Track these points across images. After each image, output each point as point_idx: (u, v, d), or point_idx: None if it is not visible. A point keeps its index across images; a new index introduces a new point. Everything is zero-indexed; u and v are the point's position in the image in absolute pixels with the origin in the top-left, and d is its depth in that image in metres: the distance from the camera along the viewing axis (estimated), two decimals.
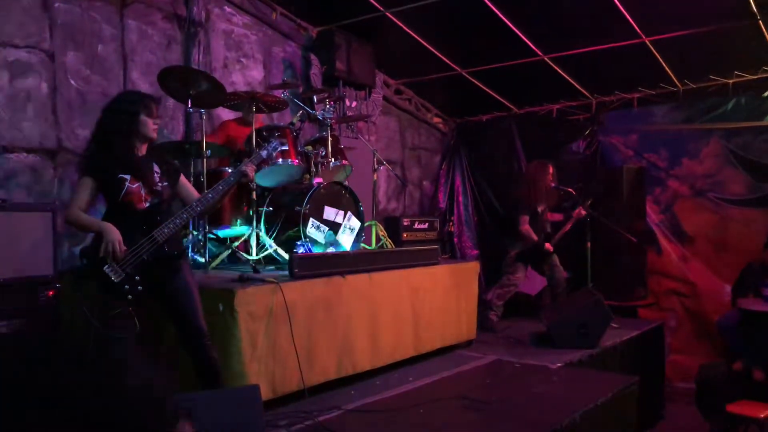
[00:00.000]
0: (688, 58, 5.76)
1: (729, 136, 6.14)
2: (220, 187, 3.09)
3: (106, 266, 2.78)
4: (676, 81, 6.16)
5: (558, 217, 5.95)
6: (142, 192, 2.96)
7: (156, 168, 3.06)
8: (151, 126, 2.99)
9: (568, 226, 5.76)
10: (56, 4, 4.17)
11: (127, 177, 2.92)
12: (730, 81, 5.94)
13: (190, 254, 3.97)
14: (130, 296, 2.80)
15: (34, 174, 4.06)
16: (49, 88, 4.14)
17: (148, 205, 2.97)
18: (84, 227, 2.94)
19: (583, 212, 5.72)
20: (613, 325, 5.10)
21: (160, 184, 3.04)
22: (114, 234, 2.79)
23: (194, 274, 3.17)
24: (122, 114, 2.94)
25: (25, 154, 4.01)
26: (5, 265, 3.23)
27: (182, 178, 3.21)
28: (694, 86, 6.16)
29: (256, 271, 3.73)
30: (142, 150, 3.04)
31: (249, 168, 3.26)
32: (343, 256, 4.15)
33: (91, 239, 2.96)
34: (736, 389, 4.62)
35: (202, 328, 2.96)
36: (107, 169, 2.92)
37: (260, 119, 4.99)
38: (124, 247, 2.80)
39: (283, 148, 4.19)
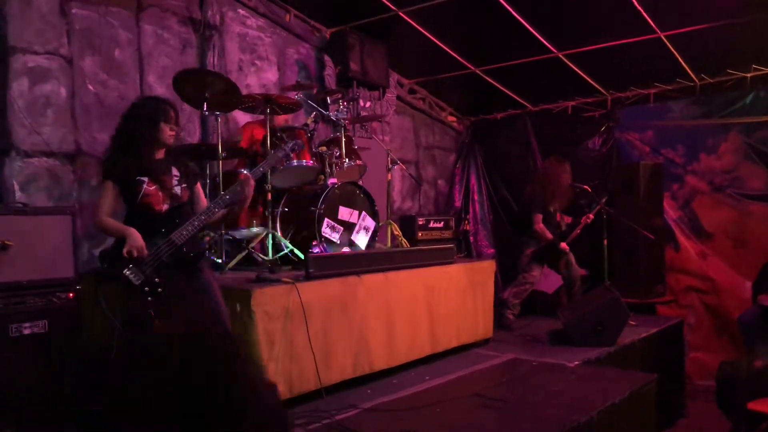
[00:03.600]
0: (705, 53, 5.69)
1: (748, 130, 6.06)
2: (227, 197, 3.10)
3: (127, 269, 2.81)
4: (692, 76, 6.09)
5: (567, 220, 5.92)
6: (161, 194, 3.00)
7: (174, 171, 3.10)
8: (168, 133, 3.04)
9: (581, 227, 5.71)
10: (74, 11, 4.24)
11: (145, 179, 2.97)
12: (748, 75, 5.87)
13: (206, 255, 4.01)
14: (150, 298, 2.84)
15: (53, 178, 4.12)
16: (68, 93, 4.21)
17: (167, 207, 3.01)
18: (110, 232, 2.99)
19: (591, 218, 5.66)
20: (631, 322, 5.07)
21: (178, 187, 3.07)
22: (137, 240, 2.84)
23: (215, 275, 3.19)
24: (142, 120, 2.99)
25: (45, 159, 4.08)
26: (26, 268, 3.28)
27: (198, 185, 3.24)
28: (712, 81, 6.09)
29: (272, 271, 3.76)
30: (160, 154, 3.08)
31: (246, 177, 3.13)
32: (359, 255, 4.17)
33: (113, 242, 3.01)
34: (757, 387, 4.56)
35: (227, 327, 2.97)
36: (126, 172, 2.97)
37: (281, 120, 5.01)
38: (146, 252, 2.85)
39: (300, 147, 4.21)
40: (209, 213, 3.02)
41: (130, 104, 3.14)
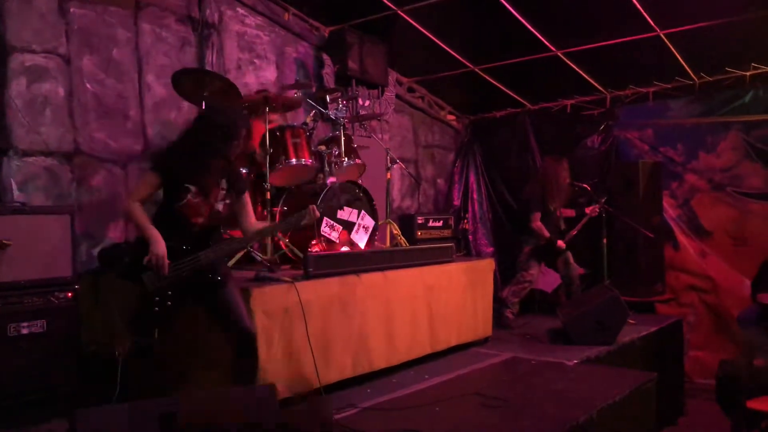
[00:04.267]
0: (704, 51, 5.68)
1: (747, 128, 6.06)
2: (282, 226, 3.07)
3: (145, 274, 2.80)
4: (692, 74, 6.08)
5: (570, 212, 5.91)
6: (201, 208, 2.95)
7: (223, 183, 3.04)
8: (235, 150, 3.01)
9: (582, 224, 5.70)
10: (72, 10, 4.23)
11: (192, 188, 2.91)
12: (747, 73, 5.86)
13: None
14: (156, 308, 2.83)
15: (52, 177, 4.12)
16: (66, 92, 4.20)
17: (203, 222, 2.96)
18: (135, 224, 2.90)
19: (597, 211, 5.67)
20: (630, 321, 5.07)
21: (221, 203, 3.02)
22: (161, 249, 2.78)
23: (234, 278, 3.16)
24: (217, 131, 2.92)
25: (43, 158, 4.07)
26: (25, 267, 3.28)
27: (246, 195, 3.17)
28: (711, 79, 6.08)
29: (271, 270, 3.75)
30: (218, 164, 3.01)
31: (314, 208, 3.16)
32: (358, 254, 4.16)
33: (135, 240, 2.96)
34: (757, 385, 4.56)
35: (250, 330, 2.97)
36: (177, 174, 2.90)
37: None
38: (166, 265, 2.79)
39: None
40: (243, 244, 2.97)
41: (208, 108, 3.08)
